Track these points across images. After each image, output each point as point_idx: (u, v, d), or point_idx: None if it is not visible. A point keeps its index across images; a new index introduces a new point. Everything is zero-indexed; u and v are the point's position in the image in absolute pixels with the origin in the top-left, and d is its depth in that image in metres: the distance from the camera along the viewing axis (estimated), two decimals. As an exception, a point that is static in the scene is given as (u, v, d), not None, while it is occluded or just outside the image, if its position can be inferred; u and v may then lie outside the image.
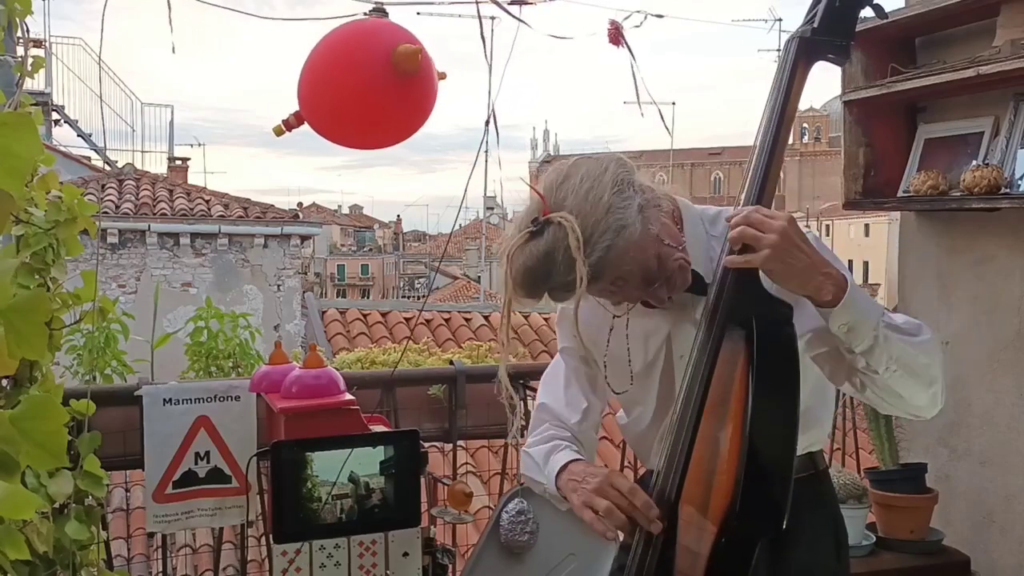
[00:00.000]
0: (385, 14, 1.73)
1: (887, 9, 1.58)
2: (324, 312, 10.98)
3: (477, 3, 1.82)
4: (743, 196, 1.44)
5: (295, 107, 1.73)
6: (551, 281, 1.36)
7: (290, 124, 1.71)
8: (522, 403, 2.56)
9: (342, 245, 49.48)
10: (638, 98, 1.96)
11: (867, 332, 1.34)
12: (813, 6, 1.48)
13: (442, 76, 1.75)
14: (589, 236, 1.32)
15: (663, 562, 1.40)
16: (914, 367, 1.39)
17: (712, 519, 1.33)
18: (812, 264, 1.33)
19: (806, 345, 1.47)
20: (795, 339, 1.36)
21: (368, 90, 1.64)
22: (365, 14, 1.73)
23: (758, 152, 1.44)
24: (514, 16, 1.82)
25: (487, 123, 1.81)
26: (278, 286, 11.40)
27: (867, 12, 1.57)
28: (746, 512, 1.29)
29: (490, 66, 1.82)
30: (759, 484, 1.30)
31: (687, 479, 1.38)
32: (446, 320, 10.19)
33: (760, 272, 1.38)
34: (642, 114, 2.06)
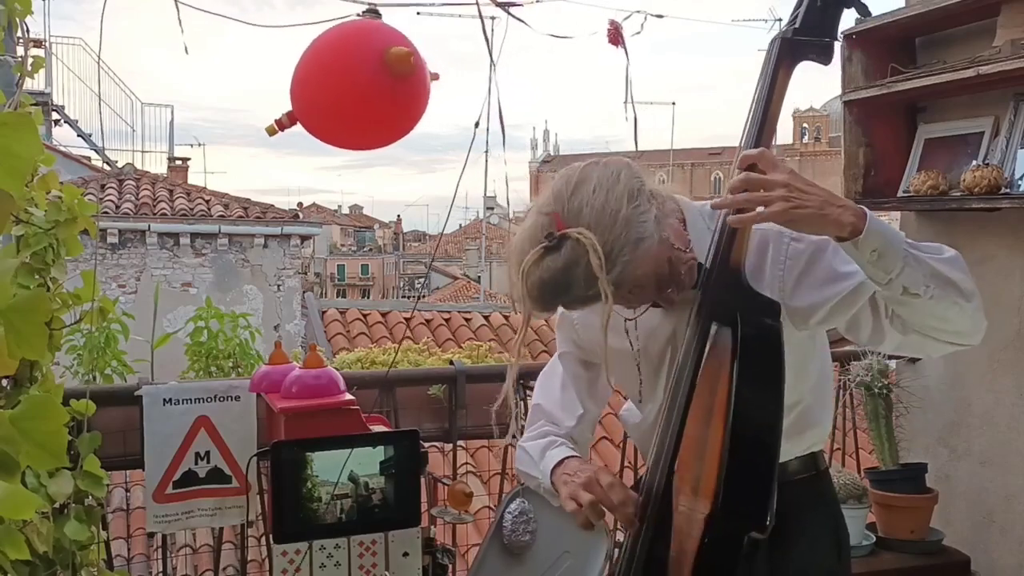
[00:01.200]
0: (378, 15, 1.73)
1: (888, 8, 1.59)
2: (324, 312, 10.98)
3: (477, 4, 1.82)
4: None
5: (290, 107, 1.72)
6: (569, 296, 1.34)
7: (283, 124, 1.70)
8: (522, 403, 2.56)
9: (342, 245, 49.47)
10: (626, 100, 1.96)
11: (897, 253, 1.31)
12: (796, 7, 1.49)
13: (435, 77, 1.75)
14: (609, 252, 1.31)
15: (653, 558, 1.41)
16: (950, 281, 1.35)
17: (699, 516, 1.33)
18: (825, 200, 1.30)
19: (828, 313, 1.45)
20: (780, 336, 1.35)
21: (361, 91, 1.64)
22: (358, 15, 1.73)
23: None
24: (514, 16, 1.82)
25: (476, 125, 1.81)
26: (278, 286, 11.40)
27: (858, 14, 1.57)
28: (729, 508, 1.29)
29: (494, 64, 1.82)
30: (743, 479, 1.30)
31: (676, 475, 1.39)
32: (446, 320, 10.19)
33: (744, 269, 1.38)
34: (625, 118, 2.07)
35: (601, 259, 1.29)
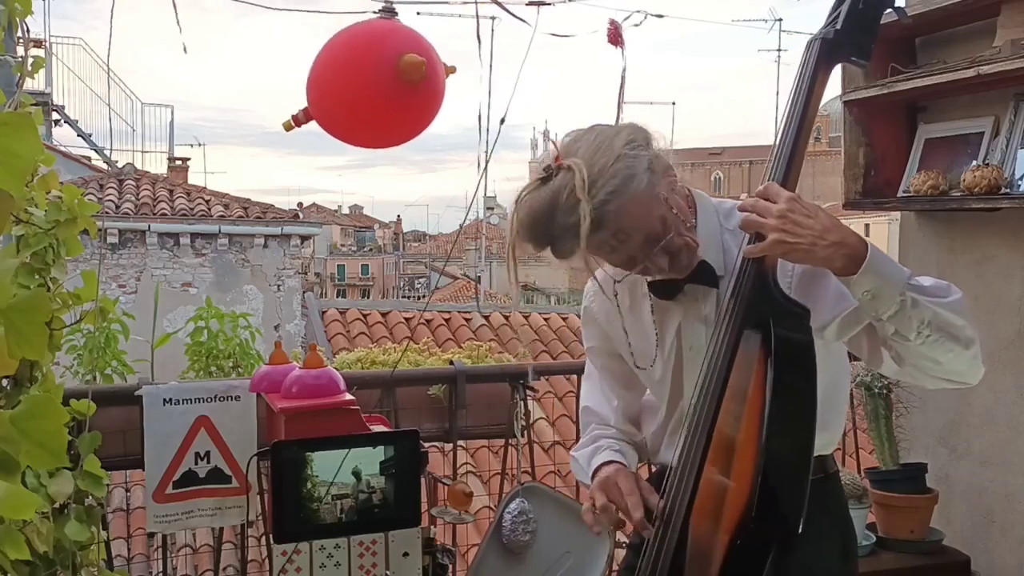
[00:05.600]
0: (395, 14, 1.73)
1: (888, 8, 1.57)
2: (324, 312, 10.95)
3: (476, 3, 1.82)
4: None
5: (300, 104, 1.73)
6: (554, 223, 1.36)
7: (299, 120, 1.71)
8: (522, 403, 2.56)
9: (342, 245, 49.42)
10: (619, 101, 1.96)
11: (892, 297, 1.32)
12: (835, 7, 1.47)
13: (451, 70, 1.75)
14: (595, 179, 1.34)
15: (676, 564, 1.39)
16: (948, 329, 1.35)
17: (727, 522, 1.32)
18: (819, 236, 1.31)
19: (838, 330, 1.46)
20: (812, 343, 1.35)
21: (373, 94, 1.64)
22: (375, 13, 1.73)
23: (777, 154, 1.43)
24: (514, 15, 1.82)
25: (502, 121, 1.80)
26: (278, 286, 11.38)
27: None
28: (763, 515, 1.28)
29: (490, 66, 1.82)
30: (776, 487, 1.29)
31: (702, 481, 1.37)
32: (446, 320, 10.18)
33: (777, 271, 1.38)
34: (620, 117, 2.07)
35: (585, 181, 1.33)
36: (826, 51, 1.45)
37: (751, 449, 1.30)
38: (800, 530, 1.28)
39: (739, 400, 1.34)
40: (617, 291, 1.61)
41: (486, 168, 1.97)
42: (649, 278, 1.54)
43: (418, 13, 2.10)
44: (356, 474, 1.93)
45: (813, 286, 1.45)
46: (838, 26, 1.45)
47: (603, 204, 1.34)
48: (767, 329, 1.32)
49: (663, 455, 1.64)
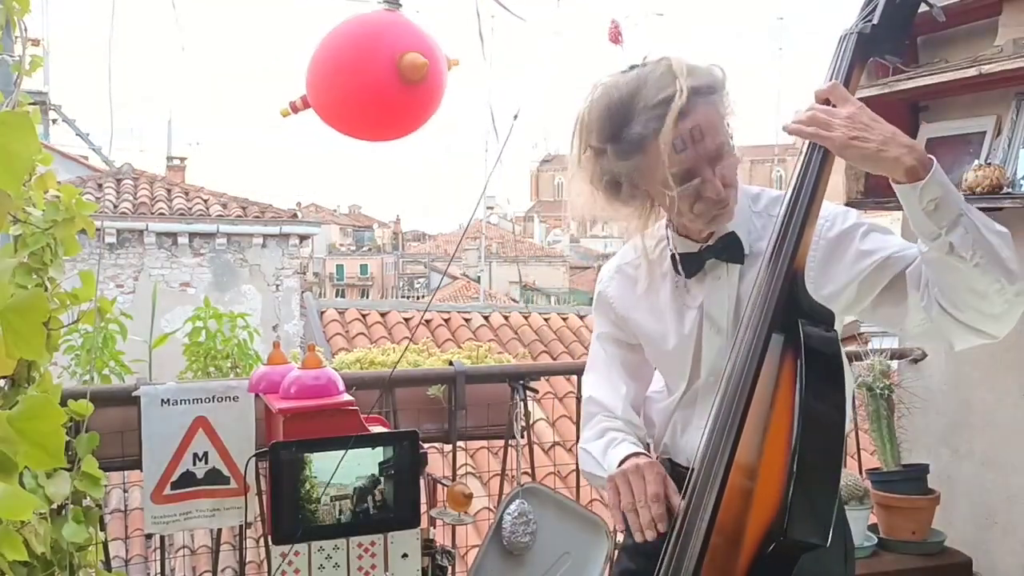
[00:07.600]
0: (399, 6, 1.72)
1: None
2: (323, 312, 10.93)
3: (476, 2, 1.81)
4: (793, 199, 1.39)
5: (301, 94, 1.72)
6: (639, 98, 1.36)
7: (296, 107, 1.70)
8: (522, 404, 2.55)
9: (341, 245, 49.40)
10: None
11: (953, 210, 1.29)
12: (868, 2, 1.45)
13: (454, 63, 1.74)
14: (692, 69, 1.37)
15: (698, 573, 1.34)
16: (998, 256, 1.31)
17: (754, 530, 1.28)
18: (888, 139, 1.30)
19: (856, 298, 1.45)
20: (839, 343, 1.33)
21: (371, 90, 1.63)
22: (379, 3, 1.72)
23: (808, 154, 1.40)
24: (513, 13, 1.81)
25: (515, 117, 1.79)
26: (277, 286, 11.38)
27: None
28: (795, 524, 1.24)
29: (489, 62, 1.81)
30: (808, 491, 1.25)
31: (727, 488, 1.33)
32: (446, 320, 10.17)
33: (804, 277, 1.36)
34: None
35: (683, 65, 1.36)
36: (862, 46, 1.43)
37: (781, 452, 1.26)
38: (828, 541, 1.24)
39: (767, 402, 1.31)
40: (635, 276, 1.60)
41: (491, 169, 1.96)
42: (672, 249, 1.53)
43: (417, 12, 2.09)
44: (355, 475, 1.92)
45: (832, 259, 1.45)
46: (875, 21, 1.42)
47: (694, 92, 1.35)
48: (795, 330, 1.30)
49: (667, 436, 1.63)
